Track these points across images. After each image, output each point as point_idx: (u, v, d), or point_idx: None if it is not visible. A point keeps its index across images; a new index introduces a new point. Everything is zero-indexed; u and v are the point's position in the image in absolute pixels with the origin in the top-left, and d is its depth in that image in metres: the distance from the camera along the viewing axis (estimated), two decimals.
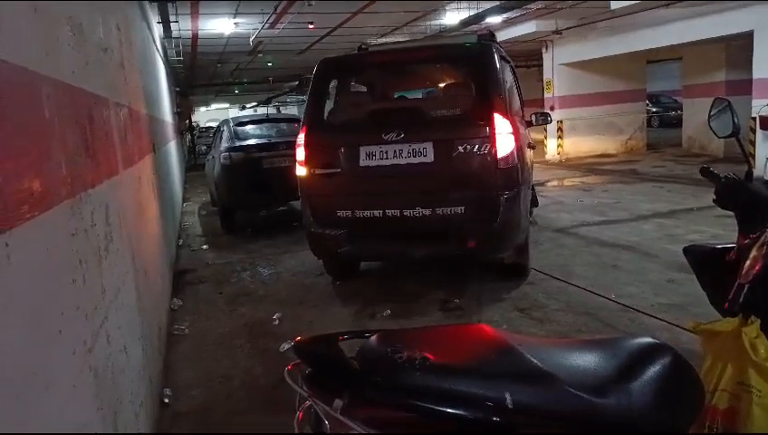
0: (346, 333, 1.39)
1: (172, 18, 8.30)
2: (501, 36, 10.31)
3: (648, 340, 1.32)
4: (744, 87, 10.40)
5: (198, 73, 19.03)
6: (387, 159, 4.21)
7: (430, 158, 4.14)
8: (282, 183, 6.68)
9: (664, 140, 16.71)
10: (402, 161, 4.18)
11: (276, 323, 4.28)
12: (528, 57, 18.10)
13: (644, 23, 11.12)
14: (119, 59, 3.15)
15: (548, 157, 14.75)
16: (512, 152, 4.04)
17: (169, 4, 7.44)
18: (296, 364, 1.26)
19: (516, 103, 5.05)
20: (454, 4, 10.16)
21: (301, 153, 4.44)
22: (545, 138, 14.91)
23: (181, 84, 19.49)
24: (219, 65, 17.09)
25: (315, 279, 5.29)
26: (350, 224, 4.34)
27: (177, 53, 11.25)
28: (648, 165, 12.34)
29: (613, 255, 5.44)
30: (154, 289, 3.61)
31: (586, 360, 1.26)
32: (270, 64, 17.18)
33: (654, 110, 21.87)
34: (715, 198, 2.08)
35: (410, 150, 4.17)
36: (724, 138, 2.15)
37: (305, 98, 5.21)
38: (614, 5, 9.86)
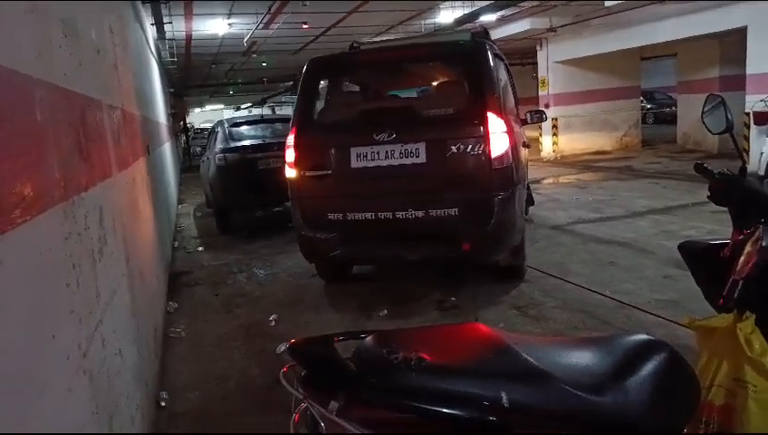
0: (341, 335, 1.39)
1: (166, 19, 8.27)
2: (495, 34, 10.32)
3: (644, 337, 1.33)
4: (738, 83, 10.44)
5: (193, 74, 19.00)
6: (378, 159, 4.12)
7: (423, 158, 4.05)
8: (277, 184, 6.58)
9: (659, 136, 16.75)
10: (394, 162, 4.09)
11: (273, 324, 4.27)
12: (523, 55, 18.13)
13: (638, 19, 11.15)
14: (112, 60, 3.14)
15: (543, 154, 14.77)
16: (506, 152, 3.96)
17: (162, 5, 7.41)
18: (292, 366, 1.26)
19: (511, 102, 5.01)
20: (448, 3, 10.17)
21: (290, 155, 4.35)
22: (540, 135, 14.94)
23: (175, 85, 19.43)
24: (213, 66, 17.07)
25: (311, 280, 5.27)
26: (341, 227, 4.25)
27: (171, 54, 11.19)
28: (643, 161, 12.37)
29: (609, 251, 5.45)
30: (149, 292, 3.60)
31: (582, 358, 1.26)
32: (264, 65, 17.16)
33: (649, 106, 21.93)
34: (709, 194, 2.08)
35: (402, 151, 4.08)
36: (717, 134, 2.15)
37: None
38: (608, 3, 9.89)
